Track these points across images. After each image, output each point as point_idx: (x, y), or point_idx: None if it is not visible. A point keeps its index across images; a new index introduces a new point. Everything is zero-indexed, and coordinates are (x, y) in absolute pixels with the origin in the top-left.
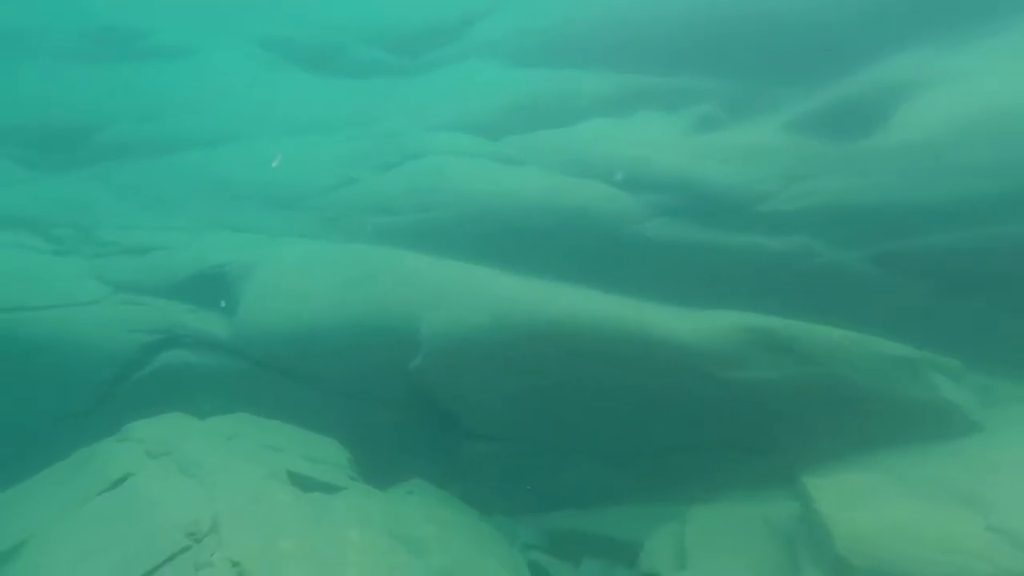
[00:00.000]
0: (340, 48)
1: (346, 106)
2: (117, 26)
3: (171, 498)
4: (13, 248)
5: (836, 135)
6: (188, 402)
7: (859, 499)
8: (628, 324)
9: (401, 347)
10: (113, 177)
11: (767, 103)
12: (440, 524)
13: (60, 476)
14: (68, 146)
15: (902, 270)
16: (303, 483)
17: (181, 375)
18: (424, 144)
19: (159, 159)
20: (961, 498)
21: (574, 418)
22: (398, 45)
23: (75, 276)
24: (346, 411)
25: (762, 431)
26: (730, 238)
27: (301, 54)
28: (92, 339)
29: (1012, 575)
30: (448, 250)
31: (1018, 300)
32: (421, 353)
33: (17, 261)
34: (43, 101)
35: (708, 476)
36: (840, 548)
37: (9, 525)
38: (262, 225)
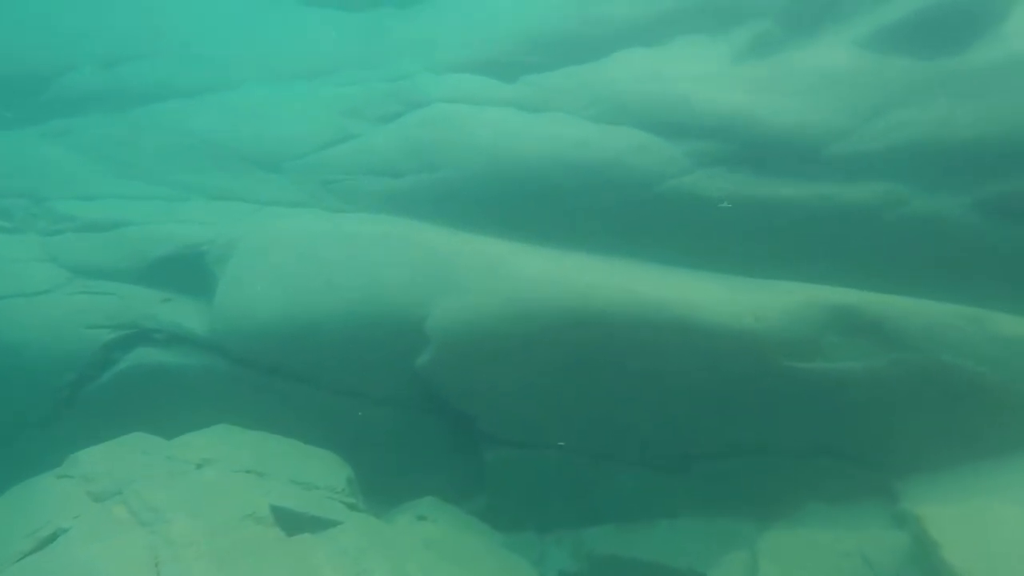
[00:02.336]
0: None
1: (340, 45)
2: None
3: (110, 566)
4: None
5: (926, 51)
6: (159, 410)
7: (999, 542)
8: (675, 306)
9: (407, 340)
10: (74, 135)
11: (835, 15)
12: (456, 563)
13: None
14: (22, 95)
15: (1015, 219)
16: (289, 522)
17: (151, 379)
18: (429, 90)
19: (127, 112)
20: None
21: (614, 418)
22: None
23: (25, 259)
24: (346, 416)
25: (847, 433)
26: (795, 189)
27: None
28: (45, 337)
29: None
30: (458, 217)
31: None
32: (430, 347)
33: None
34: None
35: (781, 486)
36: None
37: None
38: (246, 191)
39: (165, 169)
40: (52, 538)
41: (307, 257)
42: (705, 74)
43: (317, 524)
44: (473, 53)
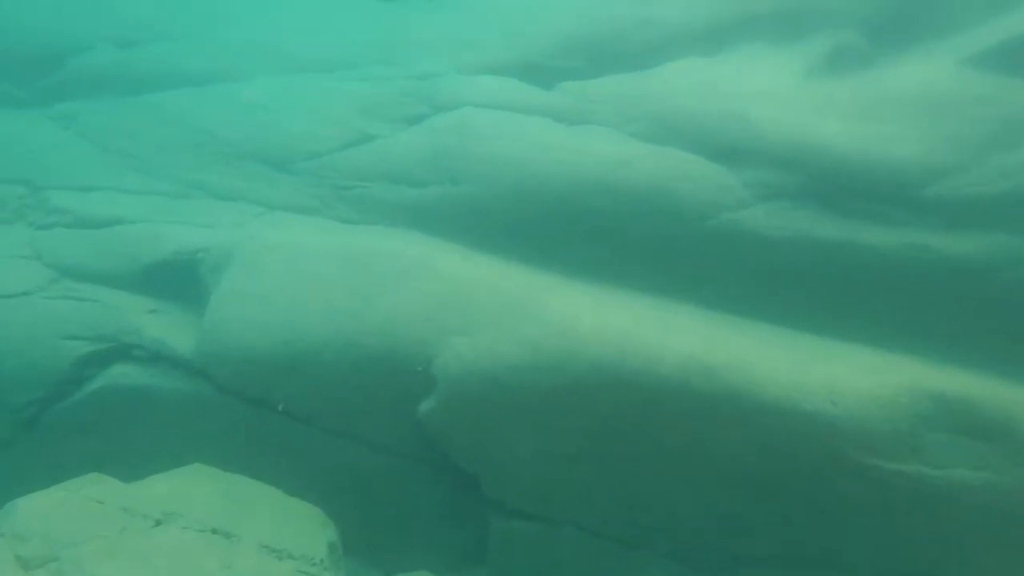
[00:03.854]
0: None
1: (363, 36)
2: None
3: None
4: None
5: None
6: (130, 440)
7: None
8: (728, 373)
9: (412, 381)
10: (81, 119)
11: (938, 25)
12: None
13: None
14: (35, 75)
15: None
16: None
17: (125, 403)
18: (456, 92)
19: (137, 98)
20: None
21: (646, 500)
22: None
23: (9, 255)
24: (337, 460)
25: (951, 560)
26: (882, 235)
27: None
28: (15, 346)
29: None
30: (481, 238)
31: None
32: (436, 393)
33: None
34: (12, 17)
35: None
36: None
37: None
38: (252, 192)
39: (169, 163)
40: None
41: (308, 275)
42: (772, 91)
43: None
44: (507, 53)
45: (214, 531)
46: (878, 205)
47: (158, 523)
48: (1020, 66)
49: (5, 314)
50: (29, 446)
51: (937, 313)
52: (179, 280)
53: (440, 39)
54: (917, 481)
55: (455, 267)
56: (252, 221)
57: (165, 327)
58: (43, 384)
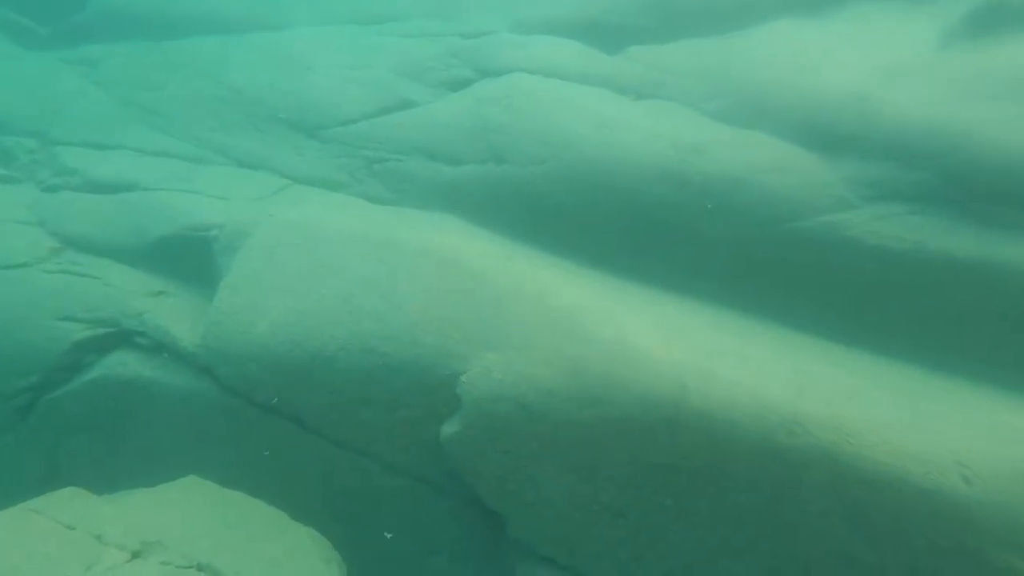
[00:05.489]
0: None
1: None
2: None
3: None
4: None
5: None
6: (123, 439)
7: None
8: (820, 429)
9: (434, 397)
10: (103, 65)
11: None
12: None
13: None
14: (60, 11)
15: None
16: None
17: (121, 396)
18: (508, 54)
19: (165, 43)
20: None
21: (704, 569)
22: None
23: (10, 219)
24: (347, 481)
25: None
26: None
27: None
28: (10, 325)
29: None
30: (524, 227)
31: None
32: (461, 414)
33: None
34: None
35: None
36: None
37: None
38: (278, 160)
39: (191, 121)
40: None
41: (328, 265)
42: (894, 64)
43: None
44: (570, 8)
45: (199, 568)
46: None
47: (134, 556)
48: None
49: (1, 289)
50: (21, 436)
51: None
52: (190, 259)
53: None
54: None
55: (493, 266)
56: (273, 196)
57: (170, 313)
58: (38, 369)
